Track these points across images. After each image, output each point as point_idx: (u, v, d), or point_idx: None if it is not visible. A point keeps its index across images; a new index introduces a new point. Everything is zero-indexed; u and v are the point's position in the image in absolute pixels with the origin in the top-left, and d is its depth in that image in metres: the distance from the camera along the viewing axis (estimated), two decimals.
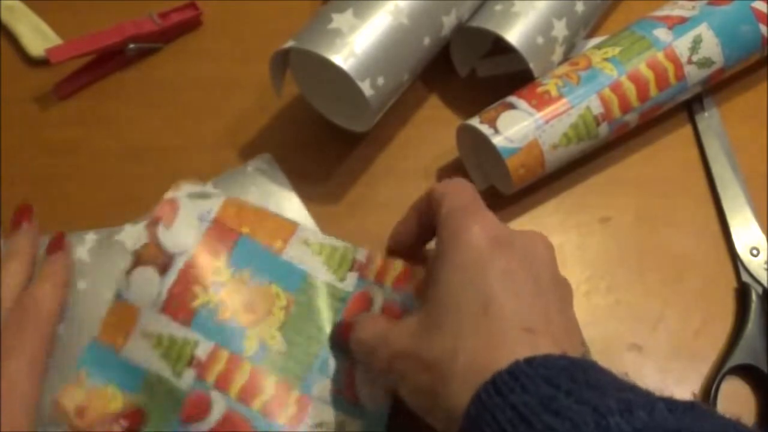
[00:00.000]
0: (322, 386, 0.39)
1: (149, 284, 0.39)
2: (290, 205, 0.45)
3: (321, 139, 0.48)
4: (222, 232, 0.41)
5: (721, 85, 0.49)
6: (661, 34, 0.45)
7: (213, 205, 0.41)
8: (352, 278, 0.41)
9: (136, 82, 0.51)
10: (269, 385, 0.38)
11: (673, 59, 0.44)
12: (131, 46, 0.50)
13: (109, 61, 0.50)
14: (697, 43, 0.44)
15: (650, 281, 0.44)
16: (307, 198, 0.46)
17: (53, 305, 0.38)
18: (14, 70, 0.51)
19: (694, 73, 0.45)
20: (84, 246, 0.42)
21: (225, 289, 0.39)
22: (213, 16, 0.53)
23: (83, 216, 0.45)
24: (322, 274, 0.41)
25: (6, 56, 0.52)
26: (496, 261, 0.32)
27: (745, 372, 0.41)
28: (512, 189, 0.44)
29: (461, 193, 0.36)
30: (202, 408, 0.37)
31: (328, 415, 0.38)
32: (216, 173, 0.46)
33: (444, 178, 0.47)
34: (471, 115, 0.44)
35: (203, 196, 0.42)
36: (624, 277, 0.44)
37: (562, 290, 0.34)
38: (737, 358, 0.41)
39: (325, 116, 0.46)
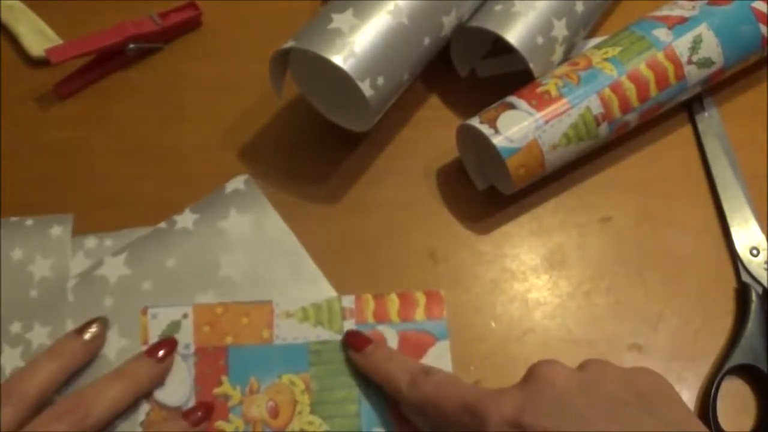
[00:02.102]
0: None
1: None
2: (270, 223, 0.45)
3: (321, 139, 0.48)
4: (210, 357, 0.41)
5: (721, 85, 0.49)
6: (661, 34, 0.45)
7: (186, 336, 0.41)
8: (349, 326, 0.42)
9: (136, 82, 0.51)
10: None
11: (673, 59, 0.44)
12: (131, 46, 0.50)
13: (109, 61, 0.50)
14: (697, 43, 0.44)
15: (650, 281, 0.44)
16: (307, 198, 0.46)
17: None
18: (14, 70, 0.51)
19: (694, 73, 0.45)
20: (68, 283, 0.42)
21: (243, 407, 0.40)
22: (213, 16, 0.53)
23: (83, 216, 0.45)
24: (320, 336, 0.41)
25: (6, 56, 0.52)
26: None
27: (745, 372, 0.41)
28: (512, 189, 0.44)
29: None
30: None
31: None
32: (216, 173, 0.46)
33: (444, 178, 0.47)
34: (471, 115, 0.44)
35: (171, 329, 0.41)
36: (624, 277, 0.44)
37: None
38: (737, 358, 0.41)
39: (325, 116, 0.46)
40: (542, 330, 0.42)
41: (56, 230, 0.44)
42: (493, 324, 0.43)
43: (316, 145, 0.48)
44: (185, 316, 0.41)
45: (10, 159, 0.47)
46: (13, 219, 0.44)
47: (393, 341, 0.41)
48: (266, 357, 0.41)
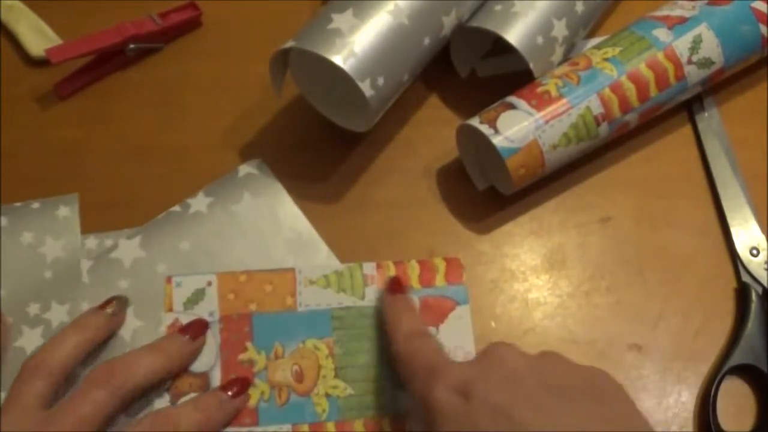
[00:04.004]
0: (407, 398, 0.40)
1: None
2: (283, 207, 0.45)
3: (321, 139, 0.48)
4: (234, 324, 0.41)
5: (721, 85, 0.49)
6: (661, 34, 0.45)
7: (212, 304, 0.42)
8: (371, 292, 0.42)
9: (136, 82, 0.51)
10: (359, 430, 0.39)
11: (673, 59, 0.44)
12: (131, 46, 0.50)
13: (109, 61, 0.50)
14: (697, 43, 0.44)
15: (650, 281, 0.44)
16: (307, 198, 0.46)
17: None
18: (14, 70, 0.51)
19: (694, 73, 0.45)
20: (83, 267, 0.42)
21: (268, 372, 0.40)
22: (213, 16, 0.53)
23: (83, 216, 0.45)
24: (342, 302, 0.42)
25: (6, 56, 0.52)
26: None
27: (745, 372, 0.41)
28: (512, 189, 0.44)
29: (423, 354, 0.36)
30: None
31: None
32: (216, 173, 0.46)
33: (444, 178, 0.47)
34: (471, 115, 0.44)
35: (196, 296, 0.42)
36: (624, 277, 0.44)
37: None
38: (737, 358, 0.41)
39: (325, 116, 0.46)
40: (542, 330, 0.43)
41: (63, 211, 0.44)
42: (493, 324, 0.43)
43: (316, 145, 0.48)
44: (209, 284, 0.42)
45: (10, 159, 0.47)
46: (18, 204, 0.45)
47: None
48: (290, 323, 0.41)
